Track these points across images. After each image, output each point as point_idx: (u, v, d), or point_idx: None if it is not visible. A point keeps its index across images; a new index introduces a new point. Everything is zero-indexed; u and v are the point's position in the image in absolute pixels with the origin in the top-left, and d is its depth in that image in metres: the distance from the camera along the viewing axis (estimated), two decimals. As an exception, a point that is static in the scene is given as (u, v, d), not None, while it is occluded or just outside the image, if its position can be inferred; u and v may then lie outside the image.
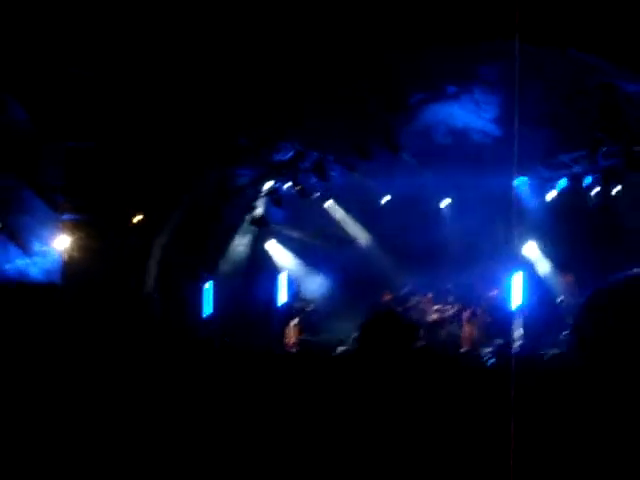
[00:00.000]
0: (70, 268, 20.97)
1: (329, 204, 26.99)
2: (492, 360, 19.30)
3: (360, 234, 27.31)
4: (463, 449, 3.92)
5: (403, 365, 4.32)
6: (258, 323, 24.34)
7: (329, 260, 27.02)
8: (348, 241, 27.26)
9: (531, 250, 24.81)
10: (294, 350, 23.44)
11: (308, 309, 25.82)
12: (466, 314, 24.14)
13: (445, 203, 26.30)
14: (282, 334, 24.30)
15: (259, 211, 24.97)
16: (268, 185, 24.81)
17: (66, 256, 21.09)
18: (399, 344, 4.28)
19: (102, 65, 19.21)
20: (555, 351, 20.89)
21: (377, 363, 4.24)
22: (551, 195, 24.85)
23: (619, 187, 23.44)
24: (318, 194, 25.94)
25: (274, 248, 27.05)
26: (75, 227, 21.31)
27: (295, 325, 24.50)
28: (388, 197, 26.26)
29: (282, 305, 25.77)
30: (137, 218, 22.04)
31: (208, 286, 24.31)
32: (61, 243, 21.06)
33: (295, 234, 27.03)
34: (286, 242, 27.07)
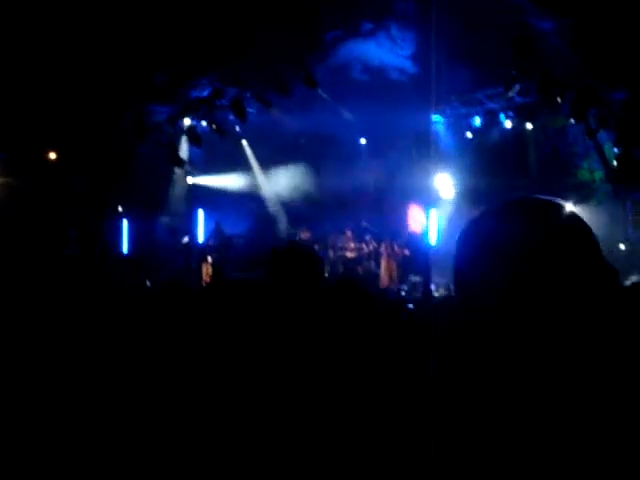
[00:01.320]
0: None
1: (246, 143, 26.91)
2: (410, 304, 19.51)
3: (277, 173, 27.24)
4: (379, 388, 3.90)
5: (316, 300, 4.26)
6: (176, 261, 24.28)
7: (247, 199, 26.98)
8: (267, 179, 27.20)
9: (446, 185, 24.97)
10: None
11: (224, 247, 25.76)
12: (383, 247, 24.32)
13: (363, 141, 26.33)
14: (199, 272, 24.28)
15: (176, 149, 24.73)
16: (186, 122, 24.59)
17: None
18: (306, 277, 4.21)
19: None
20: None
21: (287, 298, 4.17)
22: (469, 134, 25.08)
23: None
24: (237, 130, 25.80)
25: (193, 186, 26.91)
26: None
27: (209, 263, 24.47)
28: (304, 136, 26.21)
29: (200, 243, 25.73)
30: (52, 156, 21.74)
31: (125, 224, 24.16)
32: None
33: (213, 172, 26.91)
34: (202, 177, 26.96)
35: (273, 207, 26.69)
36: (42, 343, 4.34)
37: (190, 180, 26.75)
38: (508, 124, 24.04)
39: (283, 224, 26.17)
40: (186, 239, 25.33)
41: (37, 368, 4.14)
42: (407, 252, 24.22)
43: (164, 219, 25.63)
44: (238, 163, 27.16)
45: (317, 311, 4.16)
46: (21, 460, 3.74)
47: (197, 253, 24.99)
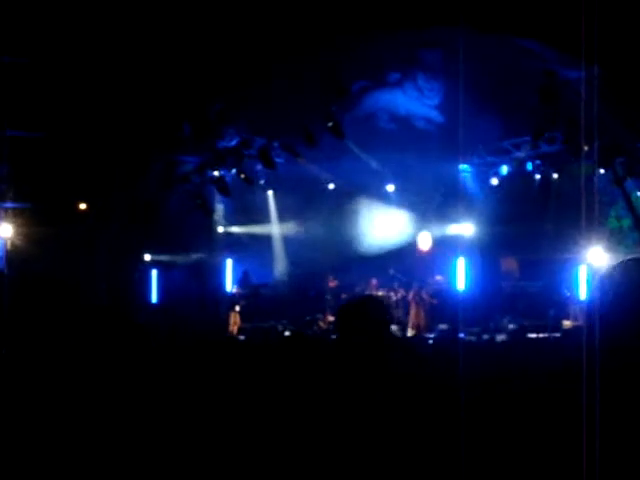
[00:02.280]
0: (14, 256, 20.81)
1: (271, 193, 26.99)
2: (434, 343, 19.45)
3: (303, 223, 27.27)
4: (413, 439, 3.90)
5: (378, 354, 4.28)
6: (205, 310, 24.31)
7: (277, 244, 27.07)
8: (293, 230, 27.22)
9: (468, 229, 24.92)
10: (238, 337, 23.41)
11: (252, 296, 25.79)
12: (411, 295, 24.27)
13: (390, 189, 26.32)
14: (227, 321, 24.29)
15: (205, 198, 24.83)
16: (214, 173, 24.72)
17: (9, 244, 20.93)
18: (376, 332, 4.23)
19: (38, 52, 19.10)
20: (501, 337, 21.11)
21: (354, 352, 4.19)
22: (494, 181, 25.07)
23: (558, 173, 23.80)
24: (263, 182, 25.90)
25: (221, 236, 26.97)
26: (18, 215, 21.16)
27: (236, 312, 24.49)
28: (332, 185, 26.26)
29: (228, 292, 25.76)
30: (82, 206, 21.92)
31: (154, 274, 24.25)
32: (4, 231, 20.87)
33: (241, 222, 26.97)
34: (231, 227, 27.02)
35: (303, 256, 26.66)
36: (70, 393, 4.37)
37: (221, 229, 26.82)
38: (536, 175, 24.05)
39: (312, 273, 26.14)
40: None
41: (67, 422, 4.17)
42: (435, 301, 24.15)
43: (193, 268, 25.68)
44: (266, 214, 27.24)
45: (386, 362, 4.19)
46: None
47: (225, 302, 25.01)
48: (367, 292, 25.37)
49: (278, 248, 27.20)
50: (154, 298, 24.25)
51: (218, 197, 25.40)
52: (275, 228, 27.41)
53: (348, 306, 4.46)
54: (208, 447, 3.92)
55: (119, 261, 23.39)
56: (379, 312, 4.35)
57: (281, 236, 27.38)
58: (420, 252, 25.85)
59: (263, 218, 27.20)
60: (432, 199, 25.43)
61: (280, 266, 27.31)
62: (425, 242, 25.76)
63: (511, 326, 22.23)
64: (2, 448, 4.13)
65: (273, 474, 3.70)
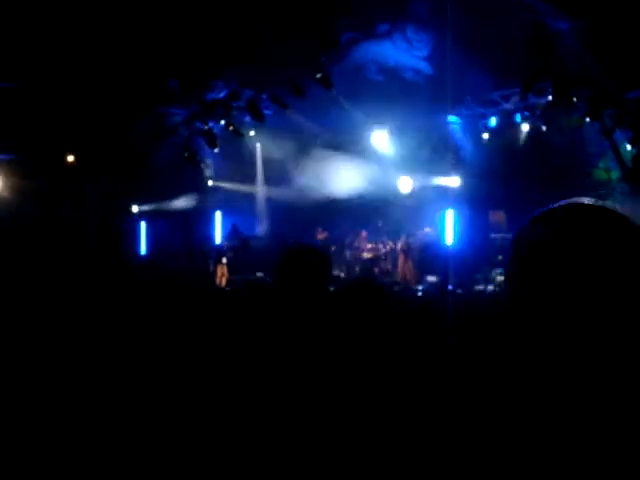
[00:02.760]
0: (2, 207, 20.80)
1: (259, 145, 26.96)
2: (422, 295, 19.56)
3: (291, 176, 27.28)
4: (398, 388, 3.91)
5: (324, 299, 4.26)
6: (193, 262, 24.38)
7: (263, 199, 27.07)
8: (283, 181, 27.23)
9: (455, 181, 24.92)
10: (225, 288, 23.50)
11: (241, 248, 25.84)
12: (399, 246, 24.34)
13: (378, 140, 26.26)
14: (214, 273, 24.36)
15: (192, 149, 24.78)
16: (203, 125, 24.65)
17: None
18: (312, 276, 4.20)
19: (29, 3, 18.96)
20: (488, 288, 21.24)
21: (293, 297, 4.16)
22: (484, 133, 25.09)
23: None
24: (252, 133, 25.88)
25: (210, 189, 26.98)
26: (5, 167, 21.11)
27: (223, 264, 24.53)
28: (320, 137, 26.25)
29: (216, 244, 25.82)
30: (70, 159, 21.86)
31: (142, 226, 24.29)
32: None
33: (230, 174, 26.97)
34: (221, 181, 27.02)
35: (290, 208, 26.71)
36: (63, 338, 4.41)
37: (210, 183, 26.81)
38: (525, 127, 24.04)
39: (300, 225, 26.17)
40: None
41: (56, 363, 4.20)
42: (422, 255, 24.23)
43: (182, 220, 25.70)
44: (255, 166, 27.24)
45: (325, 310, 4.18)
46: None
47: (213, 254, 25.06)
48: (356, 244, 25.48)
49: (264, 202, 27.23)
50: (142, 250, 24.30)
51: (208, 151, 25.38)
52: (262, 181, 27.42)
53: (290, 252, 4.42)
54: (200, 393, 3.96)
55: (108, 213, 23.41)
56: (320, 262, 4.33)
57: (268, 189, 27.40)
58: (404, 202, 25.80)
59: (251, 171, 27.21)
60: (421, 151, 25.42)
61: (268, 218, 27.35)
62: (405, 186, 25.74)
63: (500, 278, 22.32)
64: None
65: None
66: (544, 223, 2.28)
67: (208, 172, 26.32)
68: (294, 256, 4.28)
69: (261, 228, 27.08)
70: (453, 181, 24.57)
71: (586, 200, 2.34)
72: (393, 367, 4.20)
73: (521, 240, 2.31)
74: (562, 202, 2.38)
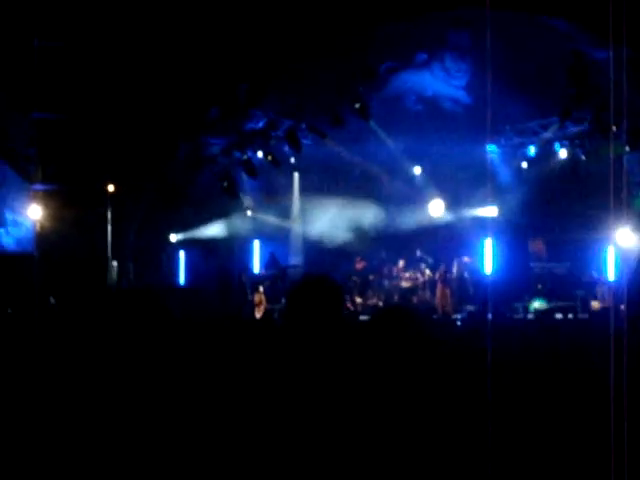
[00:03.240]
0: (43, 237, 20.96)
1: (297, 175, 26.97)
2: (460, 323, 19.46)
3: (330, 206, 27.24)
4: (438, 422, 3.88)
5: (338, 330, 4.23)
6: (231, 292, 24.40)
7: (303, 229, 27.07)
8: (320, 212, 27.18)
9: (492, 212, 24.79)
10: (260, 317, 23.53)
11: (279, 277, 25.83)
12: (438, 276, 24.24)
13: (417, 171, 26.21)
14: (252, 302, 24.37)
15: (232, 180, 24.84)
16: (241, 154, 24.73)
17: (39, 226, 21.07)
18: (323, 307, 4.16)
19: (68, 36, 19.20)
20: (527, 317, 21.10)
21: (306, 329, 4.14)
22: (522, 162, 25.01)
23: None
24: (292, 161, 25.90)
25: (249, 219, 27.00)
26: (47, 197, 21.29)
27: (261, 293, 24.53)
28: (359, 167, 26.27)
29: (254, 273, 25.85)
30: (110, 188, 22.01)
31: (181, 255, 24.39)
32: (34, 213, 20.99)
33: (269, 203, 26.98)
34: (260, 211, 27.02)
35: (329, 238, 26.68)
36: (98, 370, 4.42)
37: (249, 213, 26.83)
38: (563, 153, 23.91)
39: (338, 255, 26.14)
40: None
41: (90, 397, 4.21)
42: (462, 283, 24.11)
43: (220, 250, 25.76)
44: (292, 196, 27.24)
45: (344, 339, 4.16)
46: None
47: (251, 284, 25.06)
48: (395, 273, 25.42)
49: (300, 232, 27.18)
50: (181, 279, 24.39)
51: (247, 180, 25.44)
52: (299, 211, 27.37)
53: (299, 285, 4.38)
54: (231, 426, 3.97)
55: (147, 242, 23.53)
56: (331, 292, 4.28)
57: (306, 219, 27.34)
58: (443, 231, 25.64)
59: (289, 200, 27.21)
60: (460, 181, 25.34)
61: (304, 248, 27.30)
62: (436, 209, 25.61)
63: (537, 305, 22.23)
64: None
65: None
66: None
67: (247, 202, 26.33)
68: (304, 285, 4.24)
69: (297, 258, 27.03)
70: (491, 211, 24.46)
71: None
72: (425, 394, 4.18)
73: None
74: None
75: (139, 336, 4.31)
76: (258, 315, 23.78)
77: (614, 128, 20.35)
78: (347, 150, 25.10)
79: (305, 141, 24.09)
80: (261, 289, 24.49)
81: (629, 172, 22.79)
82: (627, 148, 21.00)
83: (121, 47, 19.80)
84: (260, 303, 24.09)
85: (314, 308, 4.09)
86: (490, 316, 20.42)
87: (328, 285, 4.24)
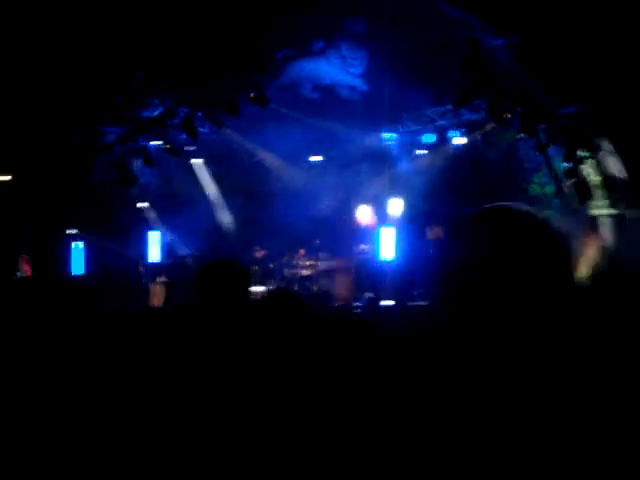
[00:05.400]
0: None
1: (195, 162, 26.73)
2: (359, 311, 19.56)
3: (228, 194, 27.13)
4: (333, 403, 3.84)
5: (242, 312, 4.22)
6: (128, 282, 24.14)
7: (200, 218, 26.82)
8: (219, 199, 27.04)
9: (398, 204, 25.00)
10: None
11: (178, 267, 25.63)
12: (337, 262, 24.33)
13: (315, 158, 26.26)
14: (147, 293, 24.19)
15: (127, 168, 24.46)
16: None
17: None
18: (229, 290, 4.18)
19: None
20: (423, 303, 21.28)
21: (212, 313, 4.13)
22: (419, 150, 25.23)
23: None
24: (191, 149, 25.70)
25: (145, 206, 26.69)
26: None
27: (159, 283, 24.33)
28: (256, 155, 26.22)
29: (151, 263, 25.57)
30: (3, 178, 21.58)
31: (78, 245, 24.01)
32: None
33: (164, 192, 26.73)
34: (156, 200, 26.75)
35: (227, 226, 26.58)
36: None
37: (146, 204, 26.54)
38: (457, 140, 24.17)
39: (237, 244, 26.03)
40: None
41: None
42: (360, 272, 24.24)
43: (117, 240, 25.43)
44: (192, 184, 26.99)
45: (245, 322, 4.13)
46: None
47: (148, 274, 24.84)
48: (294, 262, 25.40)
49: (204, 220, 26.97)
50: (77, 271, 24.00)
51: (147, 170, 25.13)
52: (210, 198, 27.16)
53: (208, 269, 4.41)
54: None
55: (42, 234, 23.12)
56: (238, 275, 4.32)
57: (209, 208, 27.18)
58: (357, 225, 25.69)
59: (187, 189, 26.96)
60: (358, 168, 25.46)
61: (208, 237, 27.11)
62: (365, 217, 25.67)
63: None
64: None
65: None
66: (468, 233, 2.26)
67: (136, 191, 25.94)
68: (211, 271, 4.25)
69: (196, 247, 26.81)
70: (397, 204, 24.67)
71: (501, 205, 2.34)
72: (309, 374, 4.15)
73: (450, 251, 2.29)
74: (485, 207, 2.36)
75: (61, 327, 4.16)
76: (156, 303, 23.61)
77: (508, 115, 20.62)
78: (244, 138, 25.04)
79: (202, 130, 23.90)
80: (159, 279, 24.31)
81: (523, 158, 23.14)
82: (521, 134, 21.29)
83: (13, 31, 19.37)
84: (156, 294, 23.92)
85: (223, 292, 4.11)
86: (387, 303, 20.64)
87: (236, 269, 4.28)
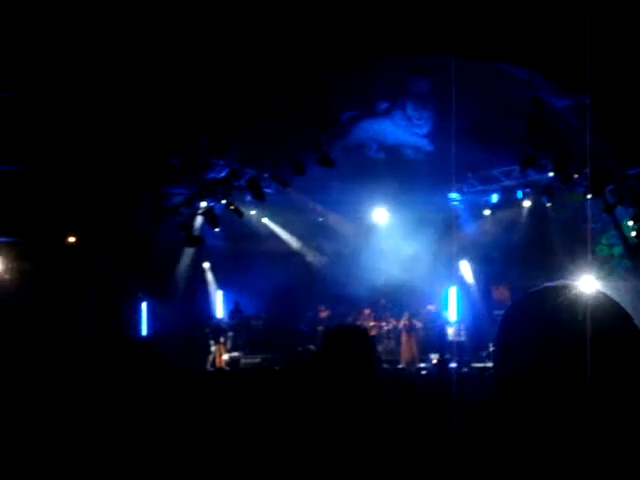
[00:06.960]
0: (2, 290, 20.65)
1: (266, 220, 26.91)
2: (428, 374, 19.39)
3: (298, 249, 27.25)
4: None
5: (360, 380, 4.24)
6: (194, 342, 24.21)
7: (265, 277, 26.90)
8: (283, 258, 27.10)
9: (465, 265, 24.95)
10: (225, 369, 23.39)
11: (243, 327, 25.72)
12: (404, 323, 24.17)
13: (379, 216, 26.22)
14: (210, 352, 24.29)
15: (194, 231, 24.62)
16: (203, 204, 24.55)
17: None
18: (359, 355, 4.21)
19: (25, 85, 19.08)
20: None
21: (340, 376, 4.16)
22: (485, 210, 25.09)
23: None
24: (254, 212, 25.85)
25: (209, 266, 26.88)
26: (6, 249, 21.02)
27: (221, 343, 24.41)
28: (322, 216, 26.34)
29: (216, 324, 25.65)
30: (71, 240, 21.77)
31: (144, 306, 24.17)
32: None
33: (231, 252, 26.87)
34: (223, 260, 26.89)
35: (289, 288, 26.59)
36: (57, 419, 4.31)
37: (204, 264, 26.72)
38: (526, 203, 23.99)
39: (301, 304, 26.05)
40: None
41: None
42: (426, 332, 24.09)
43: (182, 300, 25.57)
44: (256, 244, 27.11)
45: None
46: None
47: (213, 334, 24.91)
48: (359, 322, 25.30)
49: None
50: (144, 331, 24.14)
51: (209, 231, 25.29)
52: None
53: (334, 333, 4.45)
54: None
55: (109, 294, 23.26)
56: (365, 345, 4.35)
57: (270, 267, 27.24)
58: (409, 279, 25.53)
59: (253, 248, 27.07)
60: (425, 228, 25.37)
61: (268, 297, 27.16)
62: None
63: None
64: None
65: None
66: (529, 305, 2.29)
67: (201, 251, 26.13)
68: (337, 338, 4.29)
69: (259, 307, 26.87)
70: (463, 265, 24.60)
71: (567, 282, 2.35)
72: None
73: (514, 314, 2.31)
74: (547, 284, 2.39)
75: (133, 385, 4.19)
76: (218, 365, 23.67)
77: (575, 175, 20.42)
78: (310, 198, 25.14)
79: (268, 190, 24.00)
80: (222, 340, 24.42)
81: (591, 219, 22.88)
82: (589, 195, 21.06)
83: (80, 96, 19.68)
84: (220, 354, 24.00)
85: (351, 354, 4.20)
86: (455, 365, 20.42)
87: (362, 334, 4.38)
